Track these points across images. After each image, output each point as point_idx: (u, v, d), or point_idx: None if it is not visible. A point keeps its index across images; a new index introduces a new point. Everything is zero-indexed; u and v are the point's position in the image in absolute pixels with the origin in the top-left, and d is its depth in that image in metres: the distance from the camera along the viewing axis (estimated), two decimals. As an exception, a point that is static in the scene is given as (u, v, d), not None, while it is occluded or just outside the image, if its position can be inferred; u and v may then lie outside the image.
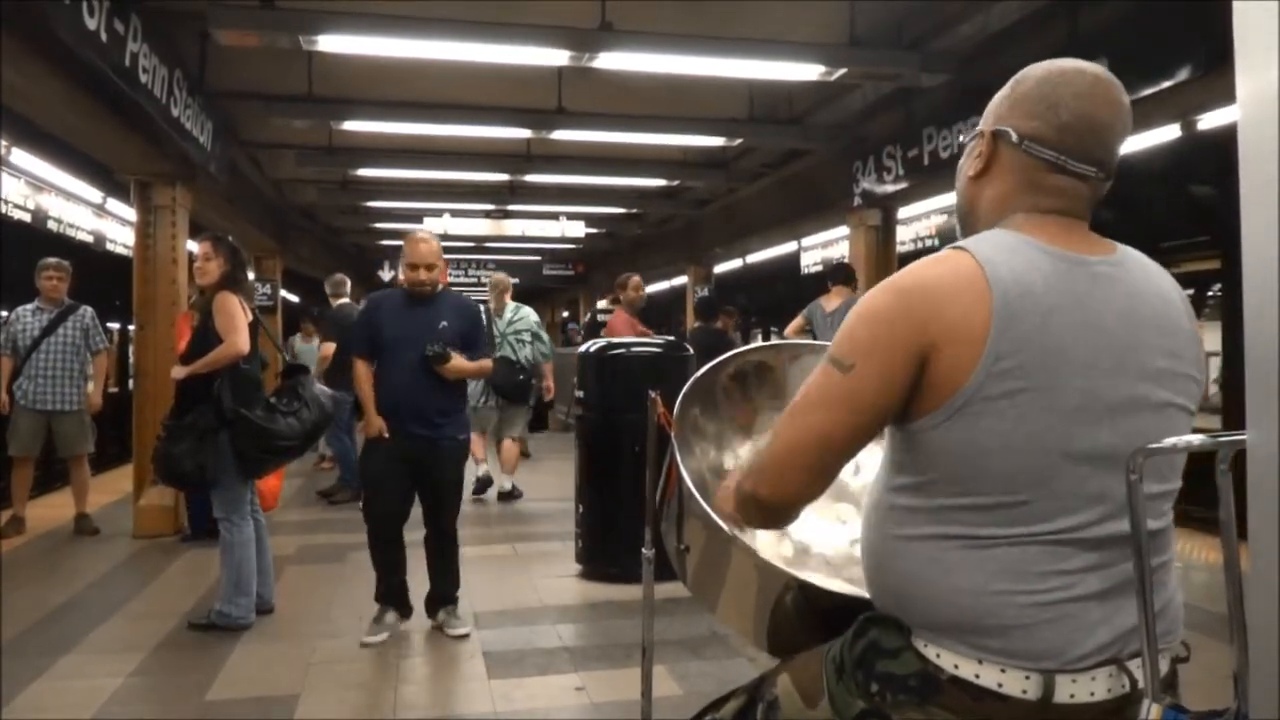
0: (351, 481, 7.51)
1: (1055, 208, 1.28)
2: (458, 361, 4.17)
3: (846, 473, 1.96)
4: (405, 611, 4.36)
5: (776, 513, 1.33)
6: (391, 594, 4.30)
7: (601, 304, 18.91)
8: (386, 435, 4.13)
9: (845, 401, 1.22)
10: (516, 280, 17.86)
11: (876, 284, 1.27)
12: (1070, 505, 1.18)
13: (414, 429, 4.15)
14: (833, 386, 1.23)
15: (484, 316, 4.55)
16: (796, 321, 6.93)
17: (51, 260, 6.48)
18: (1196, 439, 1.20)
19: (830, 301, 6.74)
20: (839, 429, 1.23)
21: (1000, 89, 1.36)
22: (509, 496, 7.81)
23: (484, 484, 7.88)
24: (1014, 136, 1.29)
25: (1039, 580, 1.17)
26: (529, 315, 8.00)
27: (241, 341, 4.18)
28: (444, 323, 4.20)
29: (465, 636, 4.26)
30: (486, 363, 4.46)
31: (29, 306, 6.42)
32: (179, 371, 4.29)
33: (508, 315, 7.91)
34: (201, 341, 4.26)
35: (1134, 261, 1.29)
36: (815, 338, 6.49)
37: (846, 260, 7.97)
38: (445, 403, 4.25)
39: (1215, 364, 8.88)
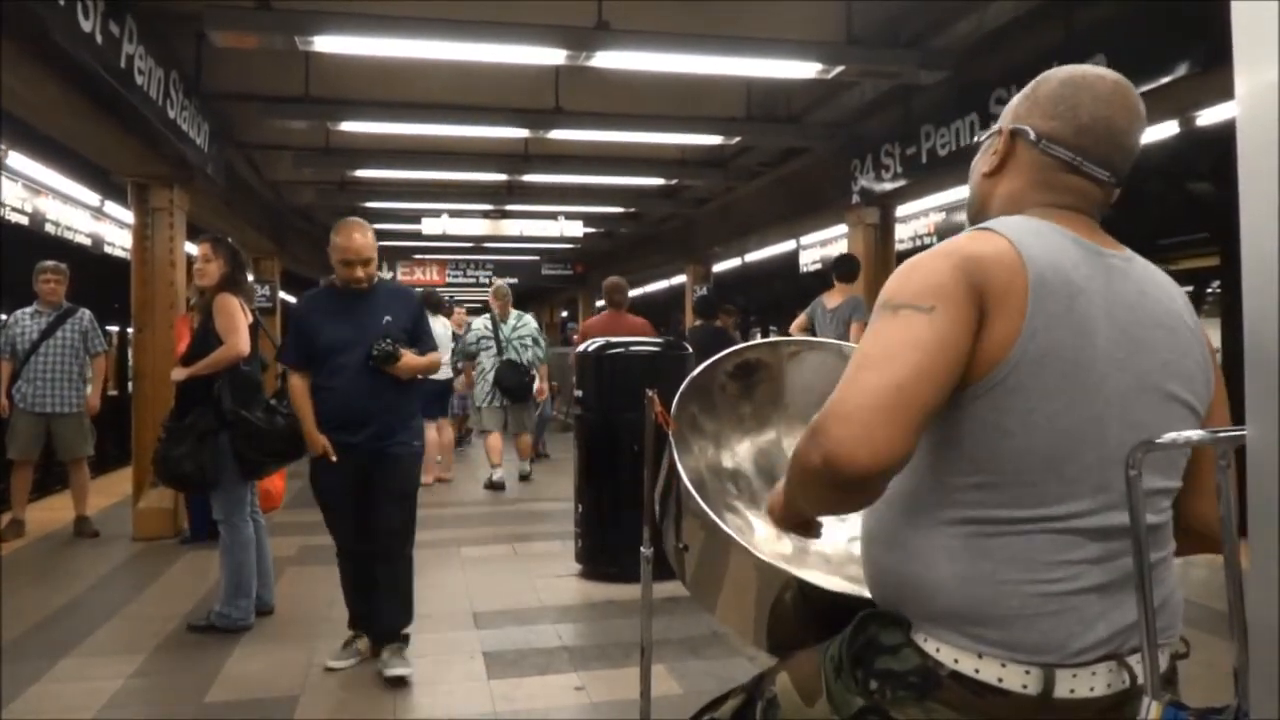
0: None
1: (1066, 204, 1.30)
2: (409, 358, 3.75)
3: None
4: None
5: (864, 482, 1.11)
6: (362, 620, 3.95)
7: (601, 303, 18.94)
8: (334, 457, 3.72)
9: (937, 342, 1.13)
10: (515, 281, 17.99)
11: (876, 281, 1.27)
12: (1077, 491, 1.19)
13: (363, 440, 3.72)
14: (919, 328, 1.14)
15: (423, 309, 4.10)
16: (800, 319, 6.94)
17: (49, 263, 6.47)
18: (1196, 434, 1.20)
19: (832, 299, 6.73)
20: (935, 372, 1.13)
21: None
22: (527, 479, 8.62)
23: (498, 486, 8.35)
24: (1032, 135, 1.31)
25: (1045, 570, 1.18)
26: (530, 322, 8.57)
27: (242, 343, 4.18)
28: (387, 317, 3.77)
29: (401, 680, 3.69)
30: (436, 356, 4.01)
31: (28, 310, 6.42)
32: (179, 373, 4.29)
33: (511, 322, 8.43)
34: (201, 343, 4.26)
35: (1140, 262, 1.32)
36: (816, 335, 6.49)
37: (848, 252, 7.86)
38: (398, 407, 3.81)
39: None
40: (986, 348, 1.16)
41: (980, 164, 1.40)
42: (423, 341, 3.91)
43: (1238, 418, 0.98)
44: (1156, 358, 1.24)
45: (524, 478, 8.72)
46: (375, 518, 3.78)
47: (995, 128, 1.39)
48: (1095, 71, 1.31)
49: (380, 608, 3.84)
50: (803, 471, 1.17)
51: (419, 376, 3.97)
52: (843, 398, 1.13)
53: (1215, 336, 9.10)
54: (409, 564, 3.91)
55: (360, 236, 3.75)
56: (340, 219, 3.88)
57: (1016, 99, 1.37)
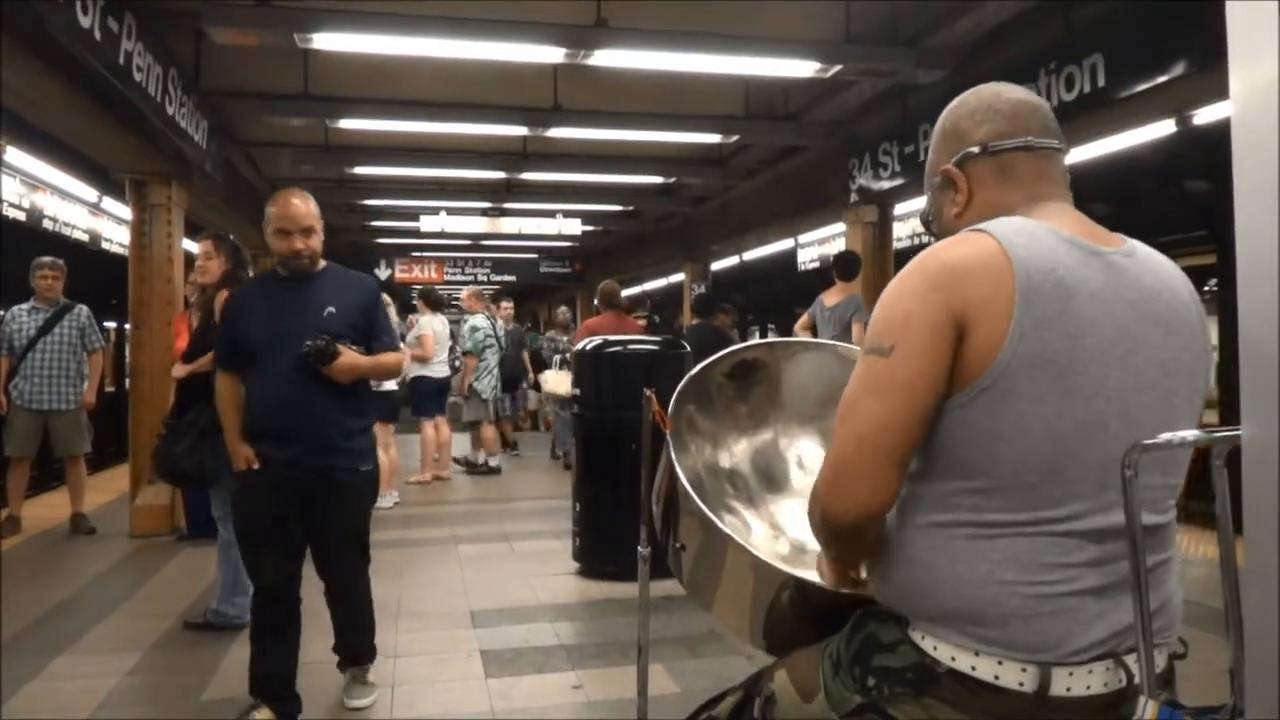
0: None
1: (1045, 195, 1.31)
2: (350, 357, 3.12)
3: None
4: (287, 710, 3.23)
5: (853, 529, 1.23)
6: (267, 685, 3.21)
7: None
8: (255, 465, 3.17)
9: (894, 385, 1.18)
10: (514, 279, 17.91)
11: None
12: (1078, 491, 1.19)
13: (293, 456, 3.13)
14: (877, 374, 1.20)
15: (379, 300, 3.43)
16: (804, 318, 6.95)
17: (46, 259, 6.47)
18: (1192, 434, 1.20)
19: (831, 297, 6.73)
20: (895, 417, 1.18)
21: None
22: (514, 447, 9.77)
23: (496, 470, 9.27)
24: (976, 149, 1.34)
25: (1044, 571, 1.18)
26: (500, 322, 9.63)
27: (240, 340, 4.17)
28: (330, 309, 3.16)
29: (363, 709, 3.41)
30: (392, 356, 3.36)
31: (24, 306, 6.41)
32: (180, 370, 4.28)
33: (499, 320, 9.37)
34: (202, 340, 4.25)
35: (1143, 254, 1.31)
36: (817, 333, 6.51)
37: (849, 249, 7.86)
38: (337, 418, 3.17)
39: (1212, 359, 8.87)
40: (970, 354, 1.17)
41: (948, 211, 1.40)
42: (378, 339, 3.29)
43: (1235, 416, 0.98)
44: (1156, 355, 1.23)
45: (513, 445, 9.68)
46: (327, 556, 3.32)
47: (939, 179, 1.40)
48: (979, 86, 1.39)
49: (340, 627, 3.45)
50: (814, 529, 1.29)
51: (376, 383, 3.47)
52: (829, 455, 1.24)
53: (1213, 334, 9.11)
54: (367, 586, 3.48)
55: (299, 202, 3.20)
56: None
57: (934, 149, 1.43)
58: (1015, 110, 1.33)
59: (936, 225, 1.44)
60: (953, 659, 1.19)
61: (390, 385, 7.45)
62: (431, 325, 8.46)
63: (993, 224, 1.25)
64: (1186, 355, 1.26)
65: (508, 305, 10.76)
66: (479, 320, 9.16)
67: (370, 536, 3.47)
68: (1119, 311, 1.21)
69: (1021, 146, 1.31)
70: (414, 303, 9.63)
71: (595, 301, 7.90)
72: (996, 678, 1.17)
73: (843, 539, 1.27)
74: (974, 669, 1.18)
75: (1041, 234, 1.23)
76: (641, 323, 7.76)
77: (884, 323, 1.22)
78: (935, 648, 1.21)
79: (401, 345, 7.23)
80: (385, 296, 7.98)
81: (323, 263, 3.28)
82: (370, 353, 3.24)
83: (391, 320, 7.40)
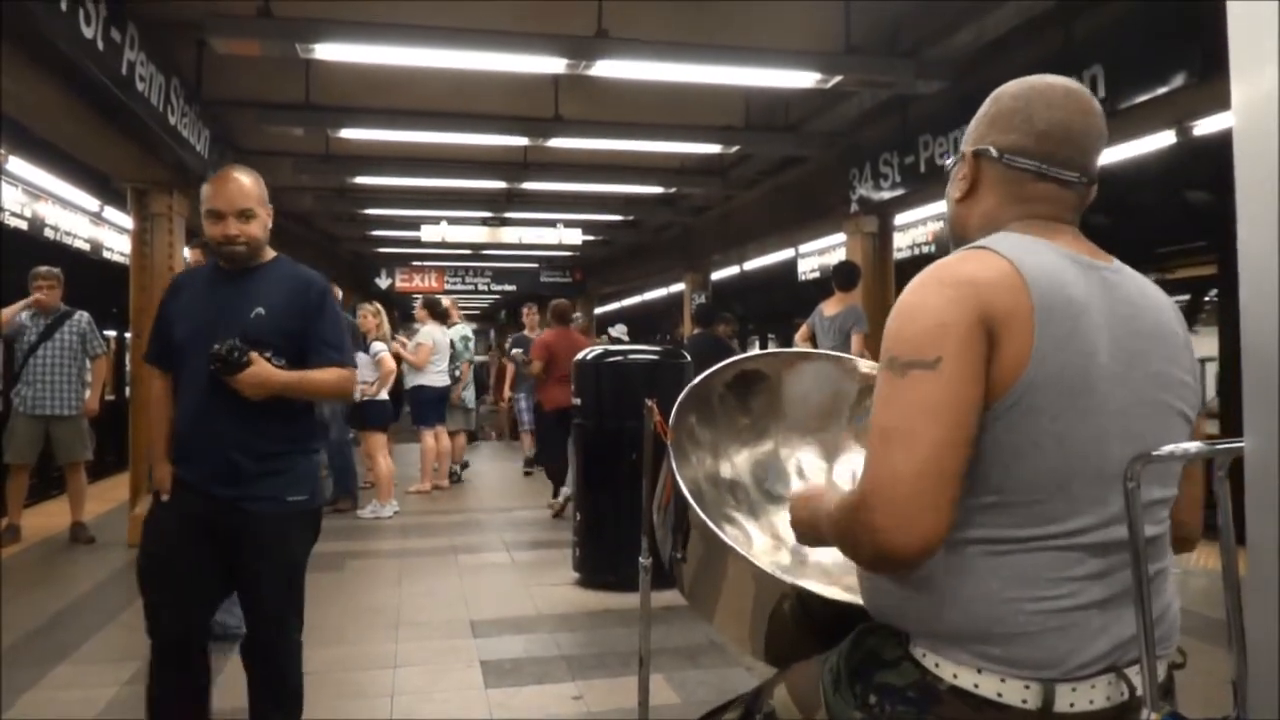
0: (350, 487, 7.62)
1: (1044, 214, 1.31)
2: (261, 370, 2.52)
3: (843, 479, 1.96)
4: None
5: (915, 561, 1.13)
6: None
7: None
8: (165, 496, 2.64)
9: (951, 402, 1.12)
10: (514, 288, 17.92)
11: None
12: (1080, 507, 1.18)
13: (202, 482, 2.59)
14: (931, 392, 1.12)
15: (335, 298, 2.87)
16: (803, 329, 6.97)
17: (42, 269, 6.44)
18: (1194, 446, 1.20)
19: (831, 307, 6.74)
20: (956, 435, 1.12)
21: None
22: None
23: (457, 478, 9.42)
24: (994, 152, 1.32)
25: (1049, 586, 1.17)
26: None
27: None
28: (259, 309, 2.60)
29: None
30: (330, 373, 2.66)
31: (26, 312, 6.40)
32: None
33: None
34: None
35: (1129, 272, 1.32)
36: (816, 343, 6.51)
37: (848, 259, 7.91)
38: (253, 441, 2.59)
39: (1211, 370, 8.89)
40: (997, 373, 1.15)
41: (952, 191, 1.41)
42: (317, 350, 2.66)
43: (1234, 427, 0.98)
44: (1150, 369, 1.24)
45: (466, 466, 9.84)
46: (247, 608, 2.76)
47: (959, 153, 1.40)
48: (1046, 79, 1.33)
49: (255, 707, 2.81)
50: (854, 550, 1.21)
51: (322, 401, 2.92)
52: (878, 481, 1.13)
53: (1213, 345, 9.11)
54: (297, 652, 2.81)
55: (240, 177, 2.65)
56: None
57: (975, 120, 1.38)
58: (1049, 131, 1.29)
59: (947, 202, 1.44)
60: (955, 677, 1.18)
61: (383, 395, 7.46)
62: (431, 334, 8.47)
63: (995, 241, 1.24)
64: (1176, 369, 1.27)
65: (532, 311, 10.79)
66: (467, 330, 9.58)
67: (306, 592, 2.83)
68: (1116, 328, 1.22)
69: (1034, 171, 1.30)
70: (414, 311, 9.71)
71: (548, 315, 8.33)
72: (999, 695, 1.16)
73: (902, 569, 1.18)
74: (976, 687, 1.17)
75: (1044, 250, 1.23)
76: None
77: (919, 336, 1.16)
78: (937, 665, 1.19)
79: (374, 357, 7.28)
80: (378, 306, 8.00)
81: (271, 253, 2.74)
82: (303, 365, 2.64)
83: (383, 329, 7.38)
